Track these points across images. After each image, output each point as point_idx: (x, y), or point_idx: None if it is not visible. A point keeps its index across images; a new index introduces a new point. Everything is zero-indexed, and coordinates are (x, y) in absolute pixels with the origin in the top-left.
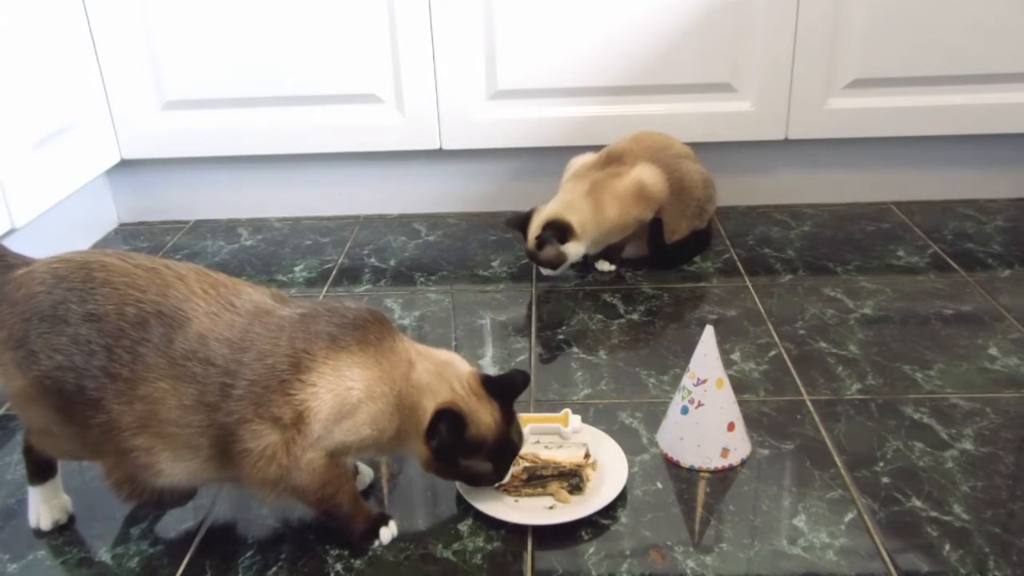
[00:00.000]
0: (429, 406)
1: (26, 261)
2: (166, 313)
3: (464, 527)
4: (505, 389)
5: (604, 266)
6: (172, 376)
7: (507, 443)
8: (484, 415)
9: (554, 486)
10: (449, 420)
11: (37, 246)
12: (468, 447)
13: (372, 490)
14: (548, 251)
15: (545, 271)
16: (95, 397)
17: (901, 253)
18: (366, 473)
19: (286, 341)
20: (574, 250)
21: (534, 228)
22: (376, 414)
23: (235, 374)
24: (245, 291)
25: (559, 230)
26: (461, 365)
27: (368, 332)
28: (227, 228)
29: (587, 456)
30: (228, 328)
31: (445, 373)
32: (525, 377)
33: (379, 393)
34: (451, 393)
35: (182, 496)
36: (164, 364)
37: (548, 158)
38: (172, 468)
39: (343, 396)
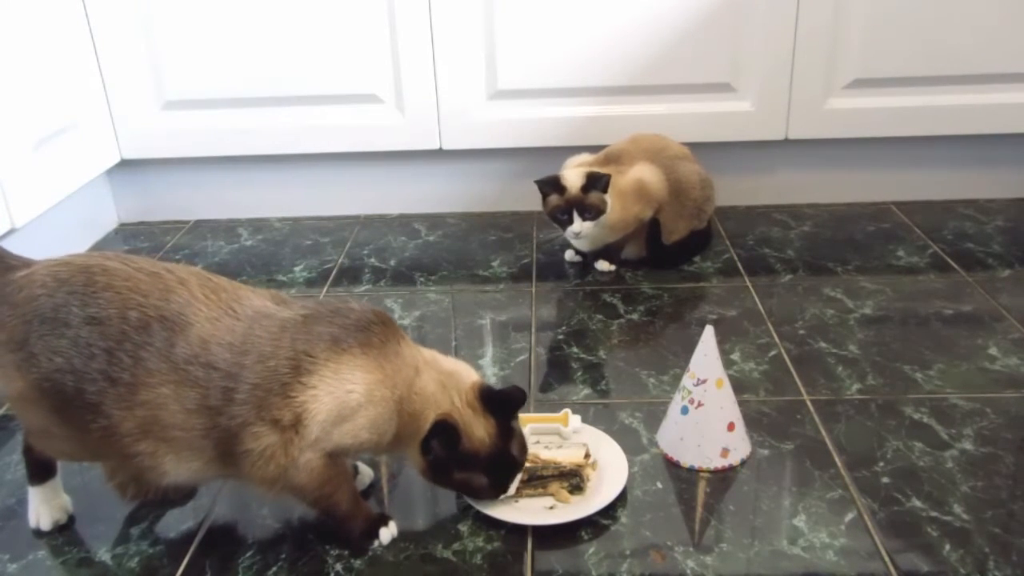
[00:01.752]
0: (430, 416)
1: (26, 263)
2: (168, 318)
3: (464, 527)
4: (503, 405)
5: (604, 266)
6: (174, 381)
7: (505, 458)
8: (478, 429)
9: (554, 486)
10: (442, 433)
11: (37, 246)
12: (462, 460)
13: (372, 490)
14: (595, 196)
15: (573, 230)
16: (94, 401)
17: (901, 253)
18: (366, 473)
19: (287, 343)
20: (608, 207)
21: (576, 176)
22: (375, 418)
23: (237, 377)
24: (246, 296)
25: (604, 181)
26: (467, 375)
27: (372, 334)
28: (227, 228)
29: (587, 456)
30: (229, 332)
31: (448, 383)
32: (522, 394)
33: (379, 397)
34: (450, 405)
35: (185, 494)
36: (166, 369)
37: (548, 158)
38: (176, 469)
39: (342, 399)
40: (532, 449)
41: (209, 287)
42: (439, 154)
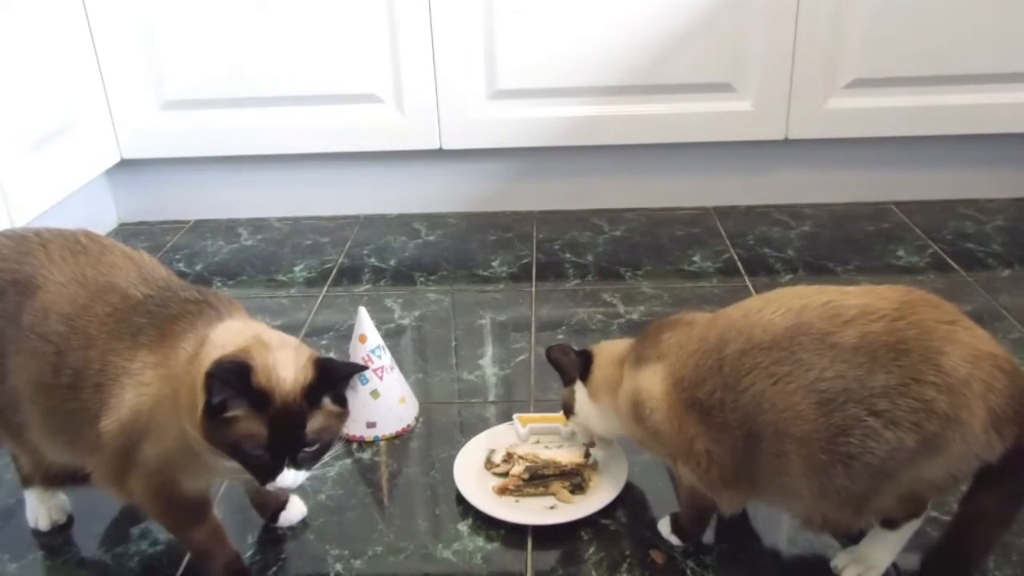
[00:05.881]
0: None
1: None
2: (20, 281)
3: (464, 527)
4: (329, 368)
5: None
6: (25, 350)
7: (297, 417)
8: (285, 370)
9: (556, 486)
10: (222, 370)
11: None
12: (251, 393)
13: (306, 527)
14: None
15: None
16: None
17: (901, 253)
18: (296, 509)
19: (106, 333)
20: None
21: None
22: (168, 420)
23: (64, 357)
24: (111, 262)
25: None
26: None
27: (179, 322)
28: (227, 228)
29: (587, 456)
30: (70, 302)
31: (247, 331)
32: (356, 368)
33: (165, 394)
34: (246, 341)
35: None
36: (18, 336)
37: (548, 158)
38: (49, 447)
39: (136, 405)
40: (532, 449)
41: (72, 249)
42: (439, 154)
